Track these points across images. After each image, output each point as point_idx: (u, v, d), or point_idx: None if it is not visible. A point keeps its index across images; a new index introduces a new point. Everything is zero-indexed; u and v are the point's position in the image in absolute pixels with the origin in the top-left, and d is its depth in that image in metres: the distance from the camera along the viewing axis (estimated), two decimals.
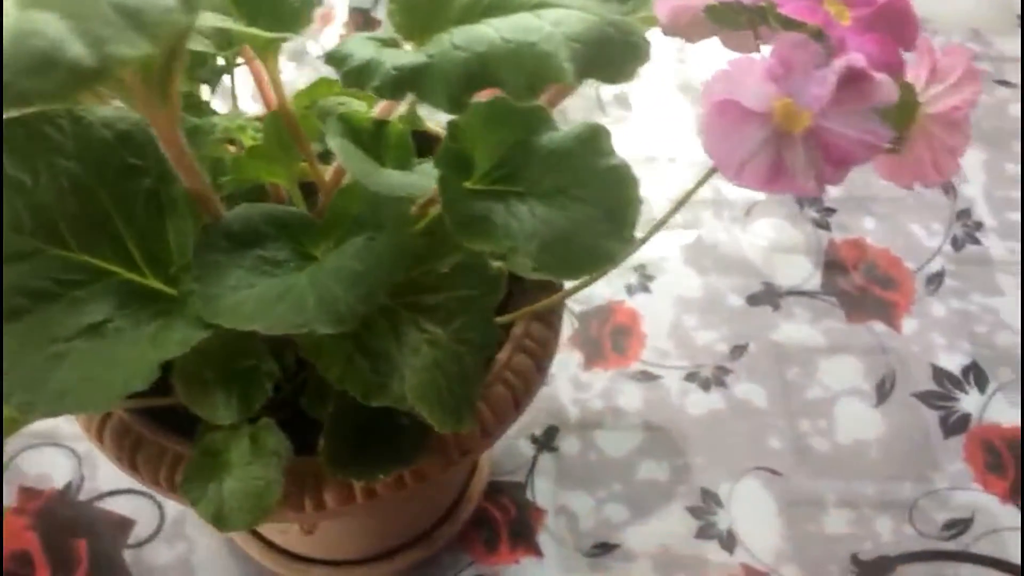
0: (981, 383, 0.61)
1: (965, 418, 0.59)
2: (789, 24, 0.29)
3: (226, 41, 0.33)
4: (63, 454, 0.56)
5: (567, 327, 0.63)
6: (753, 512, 0.55)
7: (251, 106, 0.46)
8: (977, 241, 0.68)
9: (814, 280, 0.66)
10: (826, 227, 0.69)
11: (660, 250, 0.67)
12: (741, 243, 0.68)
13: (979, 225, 0.69)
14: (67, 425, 0.57)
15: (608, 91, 0.77)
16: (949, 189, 0.72)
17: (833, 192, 0.70)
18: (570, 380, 0.61)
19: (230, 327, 0.28)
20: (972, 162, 0.73)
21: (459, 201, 0.28)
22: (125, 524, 0.53)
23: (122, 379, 0.28)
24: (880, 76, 0.28)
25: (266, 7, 0.32)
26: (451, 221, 0.28)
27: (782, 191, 0.31)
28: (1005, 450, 0.58)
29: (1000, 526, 0.55)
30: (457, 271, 0.36)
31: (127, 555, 0.53)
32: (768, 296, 0.65)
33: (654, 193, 0.69)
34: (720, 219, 0.69)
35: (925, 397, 0.60)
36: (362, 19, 0.83)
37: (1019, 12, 0.84)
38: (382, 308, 0.34)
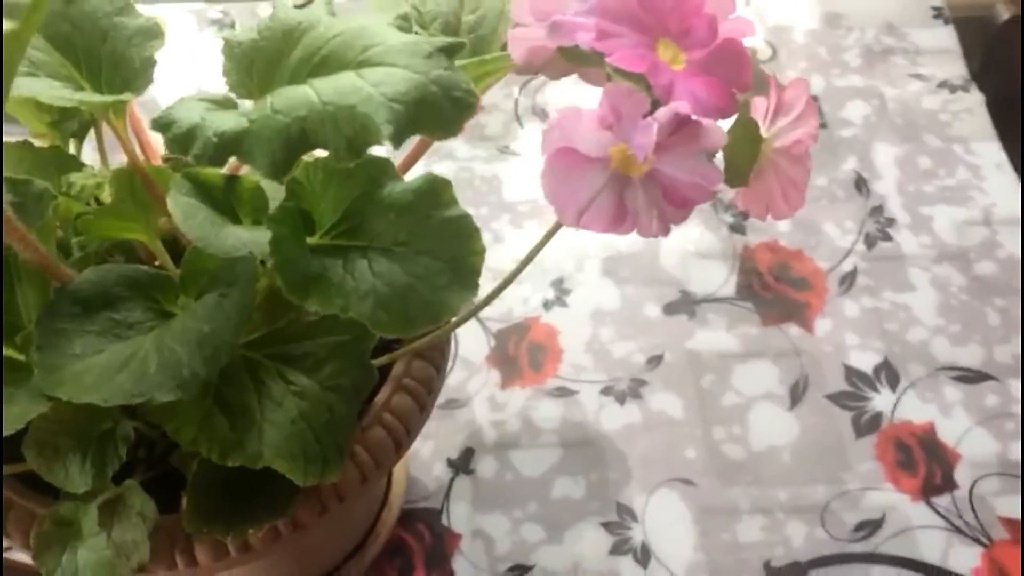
0: (892, 381, 0.62)
1: (877, 417, 0.60)
2: (621, 72, 0.29)
3: None
4: None
5: (484, 346, 0.63)
6: (667, 524, 0.55)
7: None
8: (889, 237, 0.69)
9: (729, 286, 0.66)
10: (741, 231, 0.69)
11: (578, 263, 0.68)
12: (659, 252, 0.68)
13: (891, 221, 0.70)
14: None
15: (524, 103, 0.77)
16: (862, 186, 0.72)
17: None
18: (487, 400, 0.61)
19: (68, 400, 0.28)
20: (885, 157, 0.74)
21: (293, 261, 0.28)
22: None
23: None
24: (707, 122, 0.28)
25: (107, 68, 0.32)
26: (283, 282, 0.28)
27: (626, 232, 0.31)
28: (916, 447, 0.59)
29: (911, 525, 0.55)
30: (326, 318, 0.35)
31: None
32: (684, 304, 0.65)
33: None
34: None
35: (837, 398, 0.61)
36: None
37: (932, 4, 0.85)
38: (245, 361, 0.34)
